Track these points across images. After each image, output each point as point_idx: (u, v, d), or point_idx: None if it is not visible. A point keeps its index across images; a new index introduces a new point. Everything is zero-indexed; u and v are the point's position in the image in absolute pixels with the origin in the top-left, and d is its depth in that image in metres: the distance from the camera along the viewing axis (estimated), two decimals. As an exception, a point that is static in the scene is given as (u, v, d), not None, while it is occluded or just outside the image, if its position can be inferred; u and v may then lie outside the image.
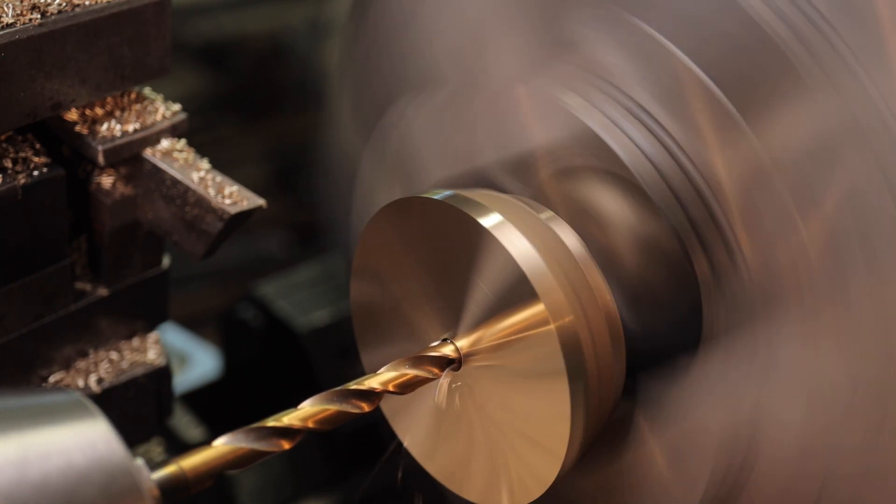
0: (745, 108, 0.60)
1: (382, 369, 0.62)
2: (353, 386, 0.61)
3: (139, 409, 0.79)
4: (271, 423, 0.58)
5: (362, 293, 0.70)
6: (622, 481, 0.69)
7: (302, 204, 1.61)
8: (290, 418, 0.59)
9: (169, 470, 0.54)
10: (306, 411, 0.59)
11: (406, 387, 0.62)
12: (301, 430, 0.58)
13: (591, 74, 0.65)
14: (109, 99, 0.73)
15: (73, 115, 0.71)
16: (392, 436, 0.70)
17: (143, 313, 0.79)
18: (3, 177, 0.68)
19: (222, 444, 0.56)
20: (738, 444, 0.63)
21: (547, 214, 0.66)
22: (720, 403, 0.63)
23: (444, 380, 0.66)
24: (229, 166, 0.80)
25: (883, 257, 0.58)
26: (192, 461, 0.55)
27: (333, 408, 0.60)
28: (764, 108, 0.60)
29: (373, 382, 0.61)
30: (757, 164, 0.60)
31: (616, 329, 0.64)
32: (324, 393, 0.60)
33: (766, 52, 0.60)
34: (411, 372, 0.62)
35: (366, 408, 0.61)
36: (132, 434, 0.79)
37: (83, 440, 0.47)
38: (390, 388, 0.62)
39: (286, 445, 0.58)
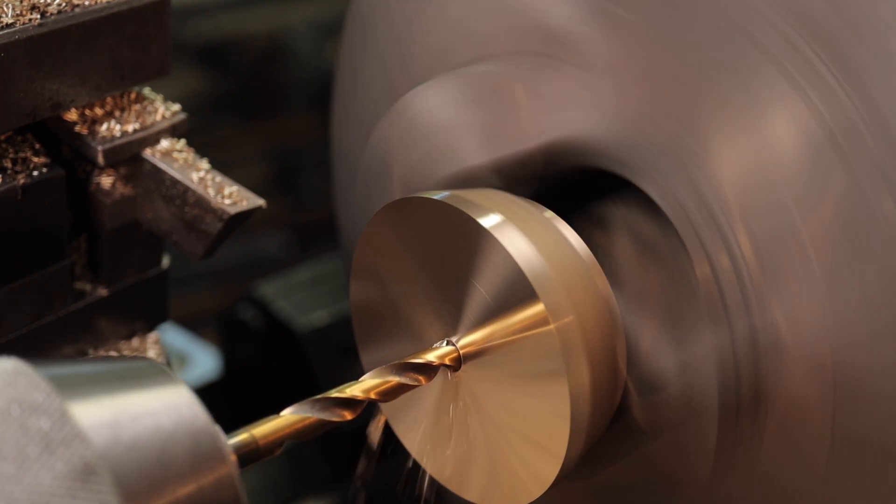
0: (745, 108, 0.60)
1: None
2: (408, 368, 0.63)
3: (139, 409, 0.79)
4: (335, 394, 0.60)
5: (362, 293, 0.70)
6: (622, 482, 0.69)
7: (302, 204, 1.61)
8: (352, 390, 0.61)
9: (242, 437, 0.56)
10: (368, 383, 0.62)
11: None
12: (363, 401, 0.61)
13: (592, 74, 0.65)
14: (109, 99, 0.73)
15: (72, 115, 0.71)
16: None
17: (142, 313, 0.79)
18: (2, 177, 0.68)
19: (290, 414, 0.59)
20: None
21: (547, 214, 0.66)
22: (720, 406, 0.63)
23: (444, 380, 0.66)
24: (229, 166, 0.80)
25: (883, 262, 0.58)
26: (262, 429, 0.57)
27: (395, 380, 0.62)
28: (764, 108, 0.60)
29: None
30: (757, 164, 0.60)
31: (616, 329, 0.64)
32: (382, 367, 0.63)
33: (763, 53, 0.60)
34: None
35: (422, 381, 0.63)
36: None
37: (168, 404, 0.50)
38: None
39: (349, 416, 0.60)
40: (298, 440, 0.59)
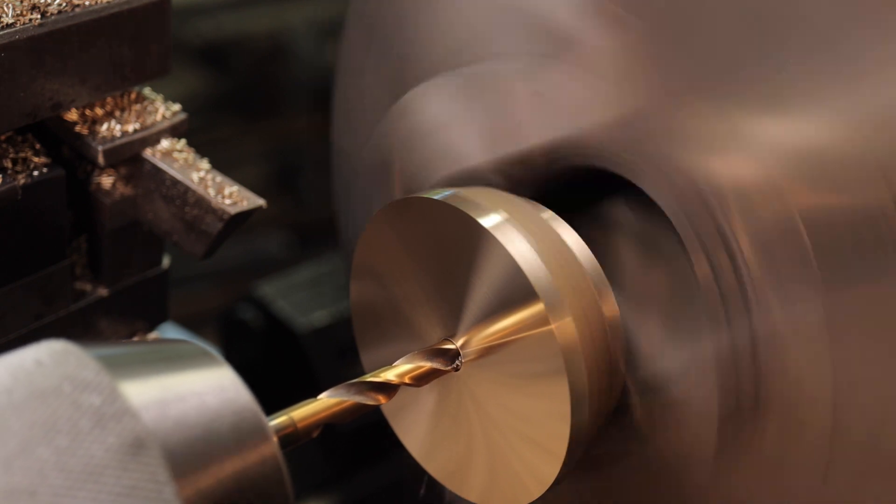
0: (745, 108, 0.60)
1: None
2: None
3: (139, 409, 0.79)
4: (370, 378, 0.62)
5: (362, 293, 0.70)
6: (621, 482, 0.69)
7: (302, 204, 1.61)
8: (386, 374, 0.63)
9: (281, 419, 0.58)
10: (401, 368, 0.63)
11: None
12: (397, 385, 0.63)
13: (592, 74, 0.65)
14: (109, 99, 0.73)
15: (73, 115, 0.71)
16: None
17: (143, 313, 0.79)
18: (3, 177, 0.68)
19: (327, 398, 0.60)
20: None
21: (547, 214, 0.66)
22: (720, 405, 0.63)
23: (445, 380, 0.66)
24: (229, 166, 0.80)
25: (884, 264, 0.58)
26: (301, 412, 0.59)
27: (426, 365, 0.64)
28: (765, 109, 0.60)
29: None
30: (758, 165, 0.60)
31: (616, 329, 0.64)
32: (414, 353, 0.64)
33: (763, 55, 0.60)
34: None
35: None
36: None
37: (213, 384, 0.51)
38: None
39: (383, 399, 0.62)
40: (335, 423, 0.60)
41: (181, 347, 0.53)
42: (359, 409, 0.61)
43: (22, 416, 0.47)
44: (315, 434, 0.59)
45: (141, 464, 0.47)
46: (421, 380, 0.64)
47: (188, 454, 0.48)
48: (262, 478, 0.50)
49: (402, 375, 0.63)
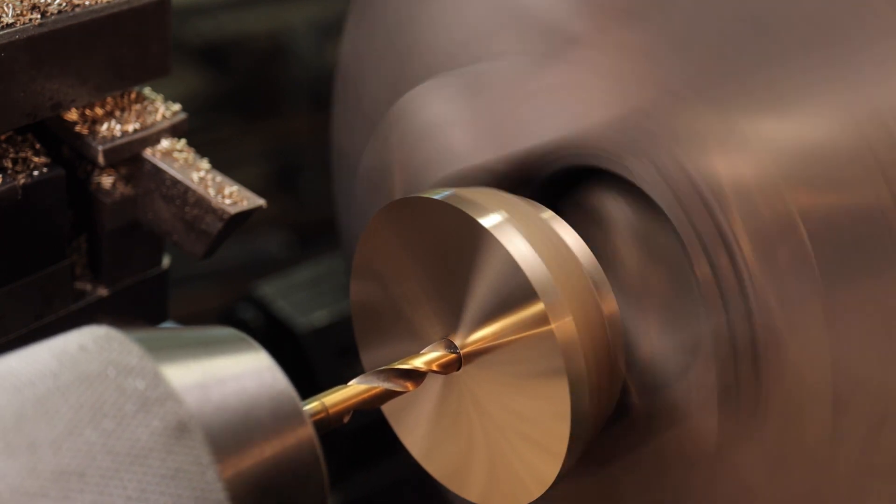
0: (746, 108, 0.60)
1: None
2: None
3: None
4: (398, 365, 0.63)
5: (362, 293, 0.70)
6: (621, 482, 0.69)
7: (302, 204, 1.61)
8: (415, 362, 0.64)
9: (313, 405, 0.59)
10: (429, 356, 0.64)
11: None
12: (425, 373, 0.64)
13: (592, 74, 0.65)
14: (109, 99, 0.73)
15: (73, 115, 0.71)
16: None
17: (143, 313, 0.79)
18: (3, 177, 0.68)
19: (357, 384, 0.61)
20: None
21: (547, 214, 0.66)
22: (720, 405, 0.63)
23: (445, 380, 0.66)
24: (229, 166, 0.80)
25: (883, 262, 0.58)
26: (332, 398, 0.60)
27: (453, 354, 0.65)
28: (765, 110, 0.60)
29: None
30: (758, 165, 0.60)
31: (616, 329, 0.64)
32: (437, 342, 0.65)
33: (763, 54, 0.60)
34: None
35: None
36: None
37: (251, 369, 0.52)
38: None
39: (411, 387, 0.63)
40: (365, 409, 0.61)
41: (218, 333, 0.55)
42: (388, 395, 0.62)
43: (69, 399, 0.48)
44: (346, 420, 0.60)
45: (185, 447, 0.48)
46: (447, 367, 0.65)
47: (229, 437, 0.49)
48: (299, 460, 0.52)
49: (430, 363, 0.64)
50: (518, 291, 0.62)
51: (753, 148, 0.60)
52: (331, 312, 1.04)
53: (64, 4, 0.67)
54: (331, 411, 0.59)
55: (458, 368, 0.65)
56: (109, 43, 0.70)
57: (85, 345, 0.50)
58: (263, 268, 1.37)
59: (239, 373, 0.52)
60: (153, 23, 0.71)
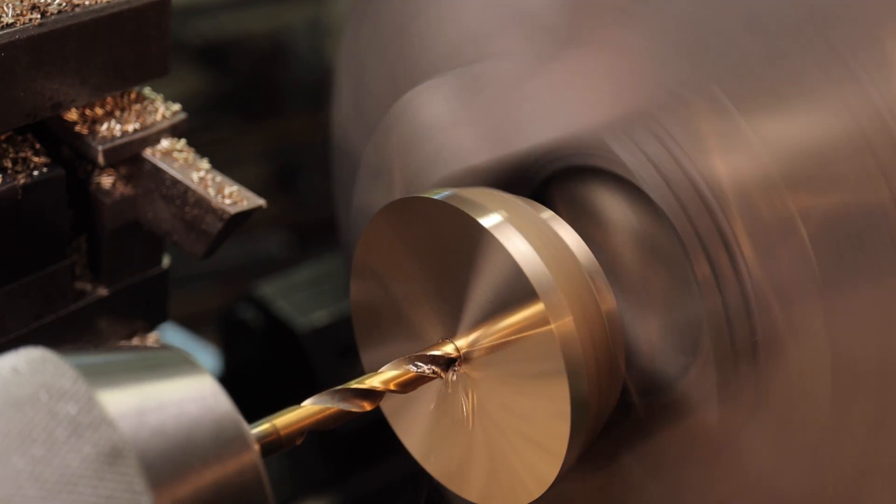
0: (746, 109, 0.60)
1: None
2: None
3: (139, 409, 0.79)
4: (355, 385, 0.61)
5: (362, 293, 0.70)
6: (622, 482, 0.69)
7: (302, 204, 1.61)
8: (371, 381, 0.62)
9: (263, 427, 0.57)
10: (387, 375, 0.63)
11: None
12: (382, 392, 0.62)
13: (591, 74, 0.65)
14: (109, 99, 0.73)
15: (73, 115, 0.71)
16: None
17: (143, 313, 0.79)
18: (3, 177, 0.68)
19: (310, 405, 0.59)
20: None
21: (547, 214, 0.66)
22: (720, 405, 0.63)
23: (445, 380, 0.66)
24: (229, 166, 0.80)
25: (883, 262, 0.58)
26: (284, 419, 0.58)
27: (412, 371, 0.63)
28: (765, 109, 0.60)
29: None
30: (758, 165, 0.60)
31: (616, 329, 0.64)
32: (400, 359, 0.63)
33: (763, 54, 0.60)
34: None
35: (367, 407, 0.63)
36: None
37: (193, 392, 0.51)
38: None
39: (368, 406, 0.61)
40: (319, 430, 0.60)
41: (163, 355, 0.53)
42: (343, 416, 0.60)
43: None
44: (299, 441, 0.58)
45: (117, 473, 0.46)
46: (407, 386, 0.63)
47: (166, 463, 0.48)
48: (241, 487, 0.50)
49: (387, 382, 0.63)
50: (518, 291, 0.62)
51: (753, 148, 0.60)
52: (331, 312, 1.04)
53: (64, 4, 0.67)
54: (282, 433, 0.57)
55: (458, 368, 0.65)
56: (109, 43, 0.70)
57: (18, 367, 0.49)
58: (263, 268, 1.37)
59: (180, 397, 0.50)
60: (153, 23, 0.71)
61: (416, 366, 0.63)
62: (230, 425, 0.50)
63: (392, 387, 0.63)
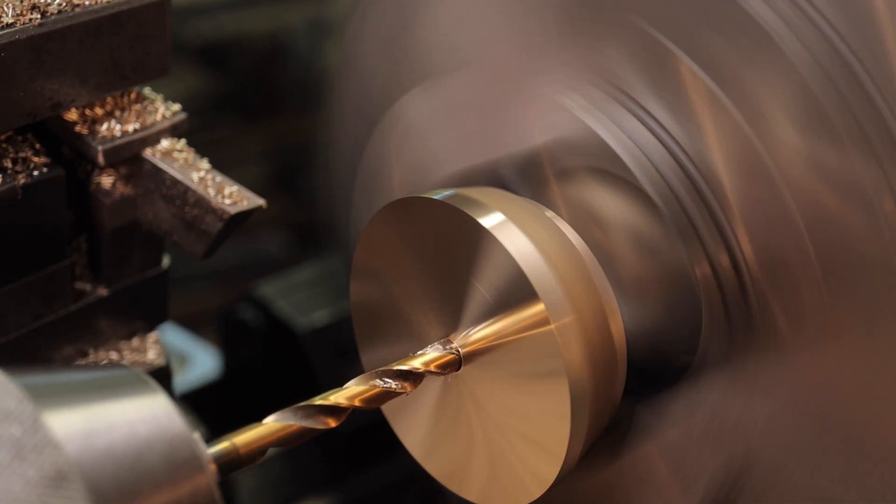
0: (745, 108, 0.60)
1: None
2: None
3: (139, 409, 0.79)
4: (319, 401, 0.60)
5: (362, 293, 0.70)
6: (621, 482, 0.69)
7: (302, 204, 1.61)
8: (336, 397, 0.60)
9: (222, 445, 0.56)
10: (352, 390, 0.61)
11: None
12: (347, 409, 0.60)
13: (593, 74, 0.65)
14: (109, 99, 0.73)
15: (73, 115, 0.71)
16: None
17: (142, 313, 0.79)
18: (3, 177, 0.68)
19: (272, 422, 0.58)
20: (737, 446, 0.63)
21: (547, 214, 0.66)
22: (719, 405, 0.63)
23: (445, 380, 0.66)
24: (229, 166, 0.80)
25: (883, 262, 0.58)
26: (243, 437, 0.57)
27: (379, 386, 0.62)
28: (765, 109, 0.60)
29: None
30: (757, 164, 0.60)
31: (616, 329, 0.64)
32: (367, 374, 0.62)
33: (765, 52, 0.60)
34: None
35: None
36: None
37: (145, 412, 0.49)
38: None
39: (333, 423, 0.60)
40: (281, 448, 0.58)
41: (116, 374, 0.52)
42: (306, 433, 0.59)
43: None
44: (259, 460, 0.57)
45: (62, 497, 0.45)
46: (372, 402, 0.62)
47: (114, 486, 0.46)
48: None
49: (352, 398, 0.61)
50: (518, 291, 0.62)
51: (754, 148, 0.60)
52: (331, 312, 1.04)
53: (64, 4, 0.67)
54: (242, 451, 0.56)
55: (458, 368, 0.65)
56: (109, 43, 0.70)
57: None
58: (263, 268, 1.37)
59: (132, 417, 0.49)
60: (153, 23, 0.71)
61: (383, 381, 0.62)
62: (183, 446, 0.49)
63: (357, 403, 0.61)
